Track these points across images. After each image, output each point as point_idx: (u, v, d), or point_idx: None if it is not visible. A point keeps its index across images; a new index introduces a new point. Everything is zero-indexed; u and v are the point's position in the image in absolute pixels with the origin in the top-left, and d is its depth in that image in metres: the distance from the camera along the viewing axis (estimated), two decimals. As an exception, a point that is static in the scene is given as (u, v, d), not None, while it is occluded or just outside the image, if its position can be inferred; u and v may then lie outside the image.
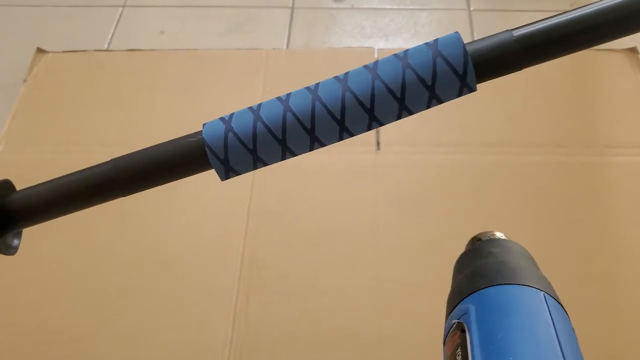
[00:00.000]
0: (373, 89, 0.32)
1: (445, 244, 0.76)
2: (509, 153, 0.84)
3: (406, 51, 0.34)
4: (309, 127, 0.33)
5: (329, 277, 0.74)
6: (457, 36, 0.33)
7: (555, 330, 0.30)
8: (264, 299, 0.73)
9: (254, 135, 0.33)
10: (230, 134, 0.33)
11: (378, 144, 0.85)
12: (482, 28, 1.03)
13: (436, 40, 0.33)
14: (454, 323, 0.32)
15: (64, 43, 1.01)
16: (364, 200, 0.81)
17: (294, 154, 0.34)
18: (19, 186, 0.91)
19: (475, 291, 0.33)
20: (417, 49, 0.33)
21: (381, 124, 0.33)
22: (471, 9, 1.06)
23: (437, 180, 0.82)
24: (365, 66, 0.34)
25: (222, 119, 0.34)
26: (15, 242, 0.36)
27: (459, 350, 0.30)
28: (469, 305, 0.32)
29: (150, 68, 0.97)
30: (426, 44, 0.33)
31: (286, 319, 0.72)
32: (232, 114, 0.34)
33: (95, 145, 0.88)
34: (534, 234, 0.76)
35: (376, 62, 0.34)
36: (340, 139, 0.34)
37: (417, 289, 0.73)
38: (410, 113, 0.33)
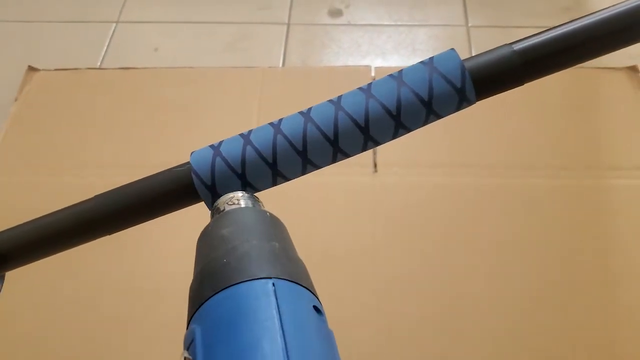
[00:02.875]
0: (367, 108, 0.31)
1: (446, 268, 0.75)
2: (509, 175, 0.83)
3: (401, 71, 0.33)
4: (300, 149, 0.32)
5: (327, 303, 0.73)
6: (452, 52, 0.32)
7: (283, 330, 0.24)
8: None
9: (243, 160, 0.32)
10: (218, 159, 0.32)
11: (375, 165, 0.84)
12: (480, 44, 1.02)
13: (431, 57, 0.33)
14: (184, 358, 0.25)
15: (55, 60, 1.00)
16: (362, 223, 0.79)
17: (286, 178, 0.33)
18: (11, 211, 0.89)
19: (200, 305, 0.26)
20: (413, 67, 0.32)
21: (377, 144, 0.32)
22: (469, 25, 1.05)
23: (435, 203, 0.81)
24: (359, 87, 0.33)
25: (211, 146, 0.33)
26: None
27: None
28: (195, 327, 0.26)
29: (145, 87, 0.96)
30: (421, 62, 0.33)
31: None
32: (221, 141, 0.33)
33: (89, 167, 0.87)
34: (535, 258, 0.75)
35: (370, 83, 0.33)
36: (335, 160, 0.33)
37: (418, 315, 0.71)
38: (408, 130, 0.32)
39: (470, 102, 0.32)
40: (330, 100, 0.33)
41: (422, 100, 0.31)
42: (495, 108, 0.87)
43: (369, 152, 0.84)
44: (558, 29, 0.32)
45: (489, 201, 0.80)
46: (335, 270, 0.75)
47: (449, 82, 0.31)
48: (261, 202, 0.33)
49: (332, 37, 1.05)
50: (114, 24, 1.08)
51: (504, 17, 1.07)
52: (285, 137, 0.32)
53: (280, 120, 0.33)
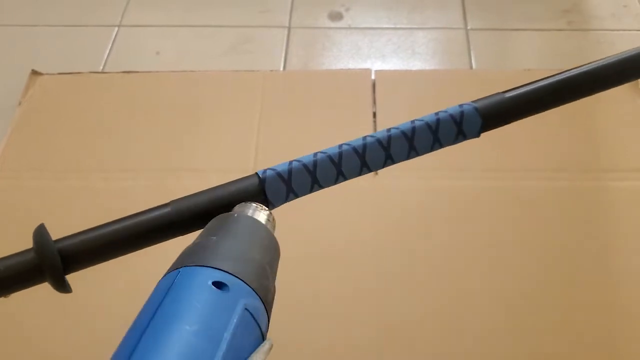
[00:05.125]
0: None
1: (446, 269, 0.76)
2: (506, 178, 0.83)
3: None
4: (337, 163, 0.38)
5: (329, 306, 0.74)
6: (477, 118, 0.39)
7: (157, 309, 0.27)
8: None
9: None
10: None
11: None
12: (479, 47, 1.03)
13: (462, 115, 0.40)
14: None
15: (58, 64, 1.00)
16: (363, 226, 0.80)
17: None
18: (17, 215, 0.90)
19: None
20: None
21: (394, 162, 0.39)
22: (468, 27, 1.06)
23: (435, 206, 0.82)
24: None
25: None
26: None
27: None
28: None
29: (147, 90, 0.96)
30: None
31: (285, 349, 0.71)
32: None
33: (92, 170, 0.87)
34: (533, 259, 0.76)
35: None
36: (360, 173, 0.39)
37: (420, 317, 0.72)
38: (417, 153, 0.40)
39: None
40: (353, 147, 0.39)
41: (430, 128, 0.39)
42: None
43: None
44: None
45: (488, 204, 0.81)
46: (336, 272, 0.76)
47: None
48: (264, 214, 0.36)
49: (332, 41, 1.06)
50: (116, 28, 1.08)
51: (503, 20, 1.08)
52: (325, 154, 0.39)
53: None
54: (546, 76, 0.41)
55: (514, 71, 0.98)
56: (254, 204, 0.36)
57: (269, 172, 0.37)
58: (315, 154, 0.38)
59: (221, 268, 0.29)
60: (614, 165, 0.84)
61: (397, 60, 1.03)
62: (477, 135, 0.40)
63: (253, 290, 0.30)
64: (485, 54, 1.02)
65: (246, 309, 0.28)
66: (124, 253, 0.36)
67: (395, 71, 1.01)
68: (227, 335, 0.26)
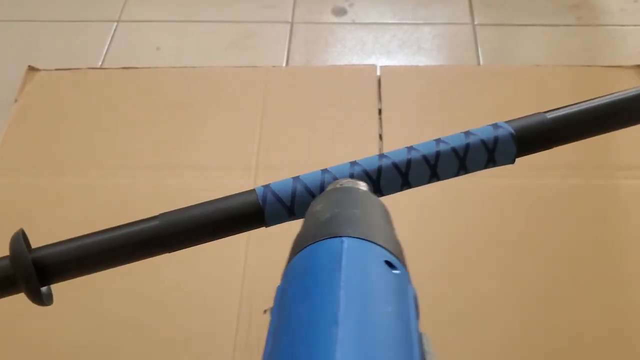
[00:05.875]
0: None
1: (456, 269, 0.74)
2: (517, 176, 0.81)
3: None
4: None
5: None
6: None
7: (340, 286, 0.23)
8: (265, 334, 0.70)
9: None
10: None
11: (382, 166, 0.82)
12: (486, 43, 1.01)
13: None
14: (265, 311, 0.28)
15: (56, 60, 0.98)
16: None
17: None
18: (14, 213, 0.87)
19: (287, 264, 0.28)
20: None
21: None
22: (475, 23, 1.04)
23: (444, 205, 0.80)
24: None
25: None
26: (49, 292, 0.35)
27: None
28: (278, 286, 0.28)
29: (146, 86, 0.94)
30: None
31: None
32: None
33: (90, 167, 0.85)
34: (545, 258, 0.74)
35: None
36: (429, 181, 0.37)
37: (428, 317, 0.70)
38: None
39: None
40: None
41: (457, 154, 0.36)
42: (502, 109, 0.86)
43: (376, 154, 0.83)
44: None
45: (498, 202, 0.79)
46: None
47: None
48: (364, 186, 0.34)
49: (336, 36, 1.04)
50: (115, 23, 1.06)
51: (510, 15, 1.05)
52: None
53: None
54: (595, 97, 0.36)
55: (523, 67, 0.96)
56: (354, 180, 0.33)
57: (269, 195, 0.34)
58: (322, 173, 0.35)
59: (386, 247, 0.27)
60: (627, 163, 0.82)
61: (403, 56, 1.01)
62: (512, 162, 0.36)
63: (408, 275, 0.28)
64: (493, 50, 1.00)
65: (414, 295, 0.26)
66: (106, 267, 0.34)
67: (401, 67, 0.99)
68: (412, 319, 0.24)
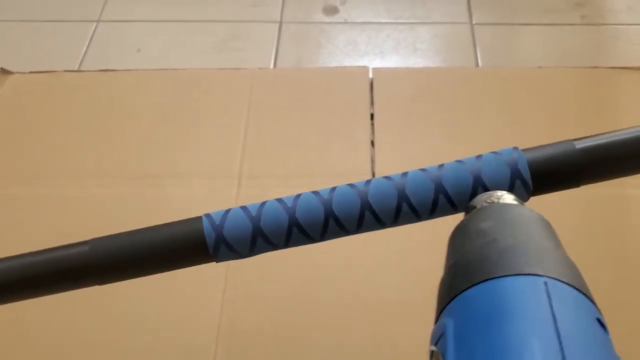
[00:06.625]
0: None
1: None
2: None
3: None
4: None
5: (320, 330, 0.67)
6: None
7: (558, 332, 0.21)
8: (246, 357, 0.65)
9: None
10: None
11: (373, 175, 0.78)
12: (486, 43, 0.96)
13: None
14: (431, 352, 0.24)
15: (30, 63, 0.94)
16: (362, 243, 0.73)
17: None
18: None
19: (453, 297, 0.25)
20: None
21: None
22: (473, 22, 0.99)
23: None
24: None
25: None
26: None
27: None
28: (447, 321, 0.24)
29: (126, 90, 0.90)
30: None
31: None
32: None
33: (66, 177, 0.81)
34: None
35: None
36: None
37: (422, 343, 0.65)
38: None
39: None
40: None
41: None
42: (505, 110, 0.82)
43: (367, 162, 0.78)
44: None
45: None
46: (330, 293, 0.69)
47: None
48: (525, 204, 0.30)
49: (327, 36, 1.00)
50: (95, 23, 1.02)
51: (511, 14, 1.01)
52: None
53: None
54: (629, 127, 0.30)
55: (525, 68, 0.91)
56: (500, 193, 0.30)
57: (225, 230, 0.30)
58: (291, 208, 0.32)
59: (593, 300, 0.25)
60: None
61: (397, 58, 0.97)
62: (526, 199, 0.32)
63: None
64: (492, 51, 0.95)
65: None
66: (19, 299, 0.29)
67: (395, 69, 0.95)
68: None
